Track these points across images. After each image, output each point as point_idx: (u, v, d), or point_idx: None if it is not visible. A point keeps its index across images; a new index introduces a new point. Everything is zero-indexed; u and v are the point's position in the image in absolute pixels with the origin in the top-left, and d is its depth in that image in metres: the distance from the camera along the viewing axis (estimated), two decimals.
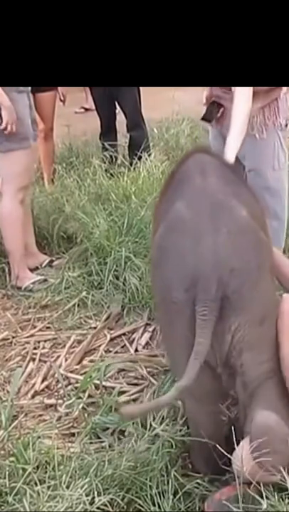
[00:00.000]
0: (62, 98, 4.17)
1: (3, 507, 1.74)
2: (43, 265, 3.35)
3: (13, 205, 3.09)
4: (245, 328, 1.66)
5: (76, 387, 2.36)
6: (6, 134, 2.92)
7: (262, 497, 1.66)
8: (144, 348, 2.64)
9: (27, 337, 2.78)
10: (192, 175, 1.79)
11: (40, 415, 2.29)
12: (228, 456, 1.73)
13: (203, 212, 1.68)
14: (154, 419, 2.04)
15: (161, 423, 2.00)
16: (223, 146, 2.18)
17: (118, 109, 4.45)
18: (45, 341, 2.74)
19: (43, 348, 2.70)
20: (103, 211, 3.32)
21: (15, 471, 1.81)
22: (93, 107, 4.74)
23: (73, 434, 2.16)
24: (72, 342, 2.70)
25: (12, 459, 1.88)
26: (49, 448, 1.93)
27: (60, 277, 3.07)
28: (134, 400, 2.30)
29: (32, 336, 2.78)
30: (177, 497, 1.82)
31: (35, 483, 1.77)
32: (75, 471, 1.83)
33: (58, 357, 2.61)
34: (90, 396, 2.30)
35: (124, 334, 2.75)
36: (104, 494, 1.75)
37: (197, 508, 1.83)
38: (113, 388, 2.33)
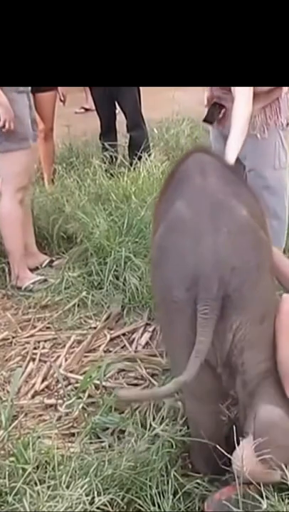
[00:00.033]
0: (62, 98, 4.17)
1: (3, 507, 1.74)
2: (43, 265, 3.35)
3: (12, 205, 3.09)
4: (246, 327, 1.67)
5: (76, 387, 2.36)
6: (5, 134, 2.92)
7: (262, 497, 1.66)
8: (144, 348, 2.64)
9: (27, 337, 2.78)
10: (192, 174, 1.79)
11: (40, 415, 2.29)
12: (228, 456, 1.73)
13: (203, 212, 1.68)
14: (154, 419, 2.04)
15: (161, 423, 2.00)
16: (224, 147, 2.18)
17: (118, 109, 4.46)
18: (45, 341, 2.74)
19: (43, 348, 2.69)
20: (103, 211, 3.32)
21: (15, 471, 1.81)
22: (93, 107, 4.74)
23: (73, 434, 2.16)
24: (72, 342, 2.69)
25: (12, 459, 1.88)
26: (49, 448, 1.93)
27: (60, 277, 3.07)
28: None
29: (32, 336, 2.78)
30: (177, 497, 1.82)
31: (35, 483, 1.77)
32: (75, 471, 1.83)
33: (58, 357, 2.61)
34: (90, 396, 2.30)
35: (124, 334, 2.74)
36: (104, 494, 1.75)
37: (197, 508, 1.83)
38: (113, 388, 2.32)
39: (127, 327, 2.78)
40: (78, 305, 2.91)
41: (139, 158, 4.02)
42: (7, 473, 1.80)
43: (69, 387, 2.39)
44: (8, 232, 3.13)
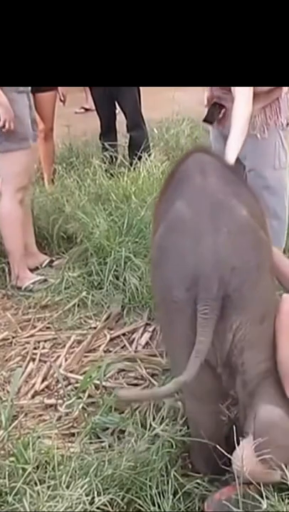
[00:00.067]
0: (62, 98, 4.17)
1: (3, 507, 1.74)
2: (43, 265, 3.35)
3: (12, 205, 3.09)
4: (246, 327, 1.67)
5: (76, 387, 2.36)
6: (5, 134, 2.92)
7: (262, 497, 1.66)
8: (144, 348, 2.64)
9: (27, 337, 2.78)
10: (192, 174, 1.79)
11: (40, 415, 2.29)
12: (228, 456, 1.73)
13: (203, 212, 1.68)
14: (154, 419, 2.04)
15: (161, 423, 2.00)
16: (224, 147, 2.18)
17: (118, 109, 4.45)
18: (45, 341, 2.74)
19: (43, 348, 2.69)
20: (103, 211, 3.32)
21: (15, 471, 1.81)
22: (93, 107, 4.74)
23: (73, 434, 2.16)
24: (72, 342, 2.69)
25: (12, 459, 1.88)
26: (49, 448, 1.93)
27: (60, 277, 3.07)
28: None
29: (32, 336, 2.78)
30: (177, 497, 1.82)
31: (35, 483, 1.76)
32: (75, 471, 1.83)
33: (58, 357, 2.61)
34: (90, 396, 2.30)
35: (124, 334, 2.74)
36: (104, 494, 1.75)
37: (197, 508, 1.83)
38: (113, 388, 2.32)
39: (127, 327, 2.78)
40: (78, 305, 2.91)
41: (139, 158, 4.02)
42: (7, 473, 1.80)
43: (69, 387, 2.39)
44: (8, 232, 3.13)
